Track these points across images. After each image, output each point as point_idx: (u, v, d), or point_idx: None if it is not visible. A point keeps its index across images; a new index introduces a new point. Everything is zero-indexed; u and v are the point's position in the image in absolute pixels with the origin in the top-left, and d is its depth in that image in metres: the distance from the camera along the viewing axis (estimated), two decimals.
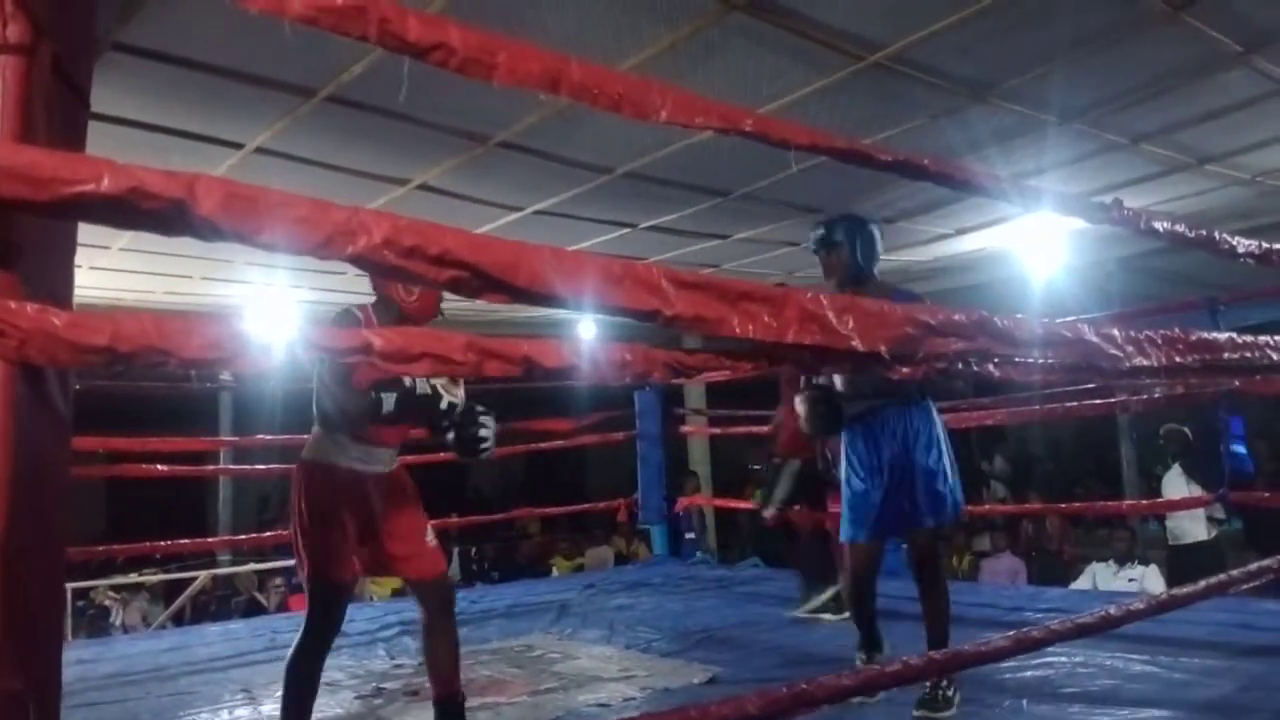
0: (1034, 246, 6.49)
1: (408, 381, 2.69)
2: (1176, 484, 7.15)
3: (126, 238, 5.33)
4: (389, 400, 2.65)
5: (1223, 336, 2.61)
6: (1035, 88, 4.12)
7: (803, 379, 3.54)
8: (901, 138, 4.66)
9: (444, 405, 2.73)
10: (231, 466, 7.80)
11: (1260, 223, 6.53)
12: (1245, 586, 2.88)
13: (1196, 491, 6.80)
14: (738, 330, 1.59)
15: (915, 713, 3.06)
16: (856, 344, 1.74)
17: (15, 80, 1.08)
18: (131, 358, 1.10)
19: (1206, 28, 3.66)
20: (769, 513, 5.17)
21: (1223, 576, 2.83)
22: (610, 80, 1.62)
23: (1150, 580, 6.79)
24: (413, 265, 1.23)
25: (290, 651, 2.81)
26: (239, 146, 4.39)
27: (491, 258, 1.29)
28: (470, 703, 3.14)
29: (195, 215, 1.08)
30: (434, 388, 2.75)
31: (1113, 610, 2.26)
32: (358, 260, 1.19)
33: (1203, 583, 2.68)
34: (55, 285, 1.16)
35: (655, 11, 3.32)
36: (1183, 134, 4.90)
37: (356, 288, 4.51)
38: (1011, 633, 2.05)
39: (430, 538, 2.97)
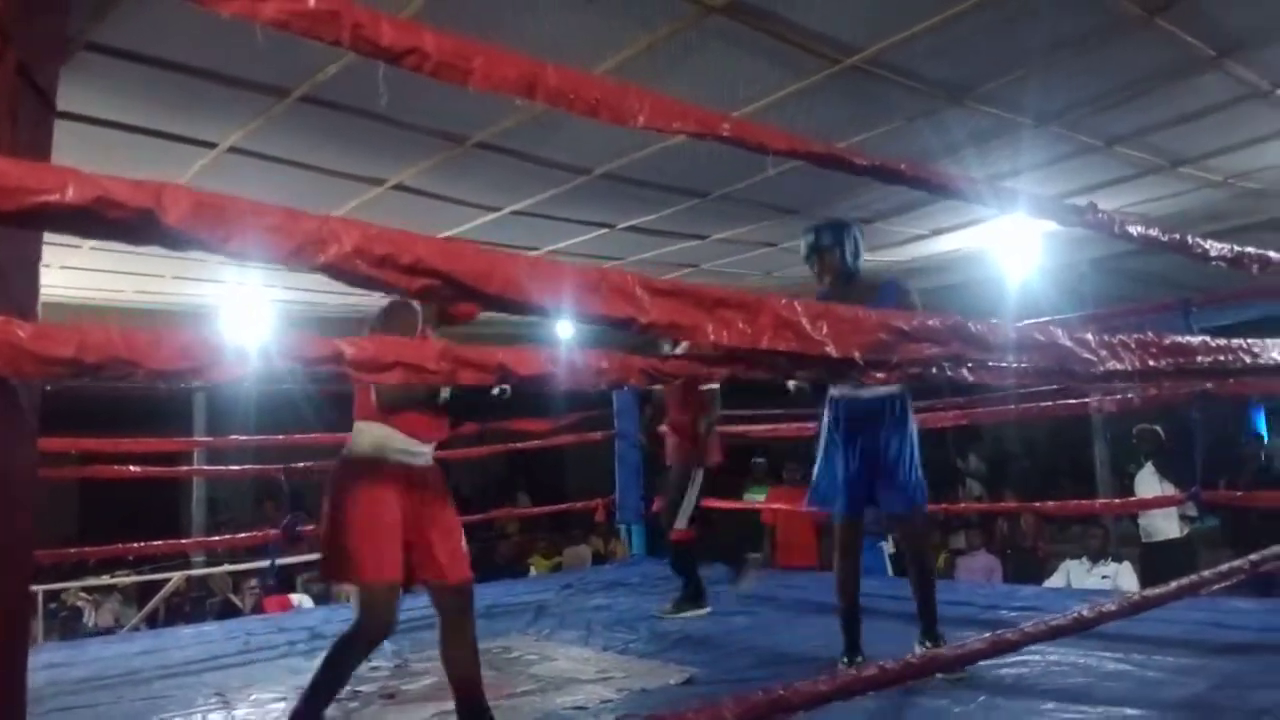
0: (1009, 248, 6.53)
1: None
2: (1149, 482, 7.22)
3: None
4: (446, 390, 2.65)
5: (1196, 340, 2.63)
6: (1011, 91, 4.14)
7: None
8: (878, 140, 4.68)
9: (496, 391, 2.67)
10: (205, 468, 7.72)
11: (1232, 224, 6.59)
12: (1217, 587, 2.91)
13: (1169, 490, 6.87)
14: (712, 337, 1.59)
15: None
16: (830, 350, 1.74)
17: None
18: (98, 369, 1.08)
19: (1181, 32, 3.69)
20: (681, 527, 5.41)
21: (1195, 577, 2.86)
22: (587, 85, 1.62)
23: (1123, 578, 6.85)
24: (384, 274, 1.21)
25: (334, 644, 2.77)
26: (212, 146, 4.35)
27: (465, 266, 1.28)
28: (444, 707, 3.13)
29: (163, 225, 1.06)
30: None
31: (1086, 612, 2.28)
32: (328, 269, 1.18)
33: (1174, 583, 2.71)
34: (20, 295, 1.14)
35: (632, 14, 3.31)
36: (1157, 136, 4.94)
37: (331, 287, 4.48)
38: (988, 635, 2.06)
39: (464, 539, 2.96)
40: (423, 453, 2.85)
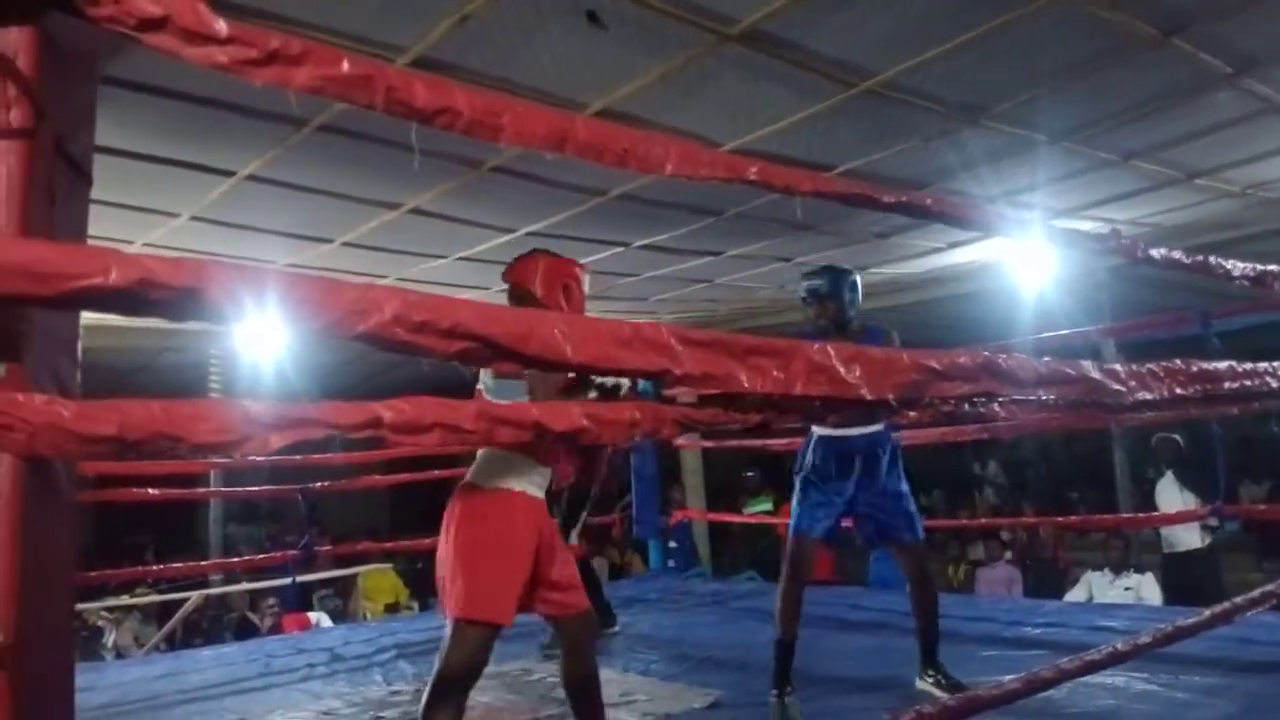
0: (1025, 258, 6.50)
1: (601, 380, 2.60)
2: (1169, 492, 7.16)
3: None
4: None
5: (1223, 365, 2.63)
6: (1026, 111, 4.13)
7: None
8: (895, 159, 4.67)
9: (623, 392, 2.65)
10: (222, 489, 7.75)
11: (1249, 232, 6.57)
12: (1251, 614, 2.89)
13: (1190, 500, 6.82)
14: (746, 385, 1.59)
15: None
16: (865, 393, 1.74)
17: (19, 166, 1.07)
18: (140, 445, 1.08)
19: (1196, 51, 3.68)
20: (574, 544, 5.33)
21: (1227, 605, 2.83)
22: (615, 136, 1.62)
23: (1146, 589, 6.80)
24: (424, 340, 1.22)
25: (427, 696, 2.66)
26: (230, 174, 4.36)
27: (503, 329, 1.28)
28: None
29: (205, 302, 1.06)
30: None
31: (1120, 645, 2.26)
32: (368, 338, 1.18)
33: (1207, 612, 2.69)
34: (61, 372, 1.14)
35: (648, 44, 3.31)
36: (1173, 151, 4.92)
37: None
38: (1024, 674, 2.05)
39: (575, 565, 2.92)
40: (546, 480, 2.79)
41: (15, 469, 1.03)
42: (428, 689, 2.67)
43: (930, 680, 3.74)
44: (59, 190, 1.14)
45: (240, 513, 12.51)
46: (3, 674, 0.99)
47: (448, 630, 2.67)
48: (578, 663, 2.89)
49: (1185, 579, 6.84)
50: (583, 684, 2.91)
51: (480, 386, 2.78)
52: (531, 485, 2.71)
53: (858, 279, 3.84)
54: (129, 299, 1.01)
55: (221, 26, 1.18)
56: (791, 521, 3.80)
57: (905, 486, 3.78)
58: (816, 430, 3.76)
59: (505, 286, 2.95)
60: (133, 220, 4.87)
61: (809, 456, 3.79)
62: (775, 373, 1.61)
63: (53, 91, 1.14)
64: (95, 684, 4.98)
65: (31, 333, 1.07)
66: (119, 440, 1.05)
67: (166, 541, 11.44)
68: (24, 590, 1.03)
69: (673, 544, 8.45)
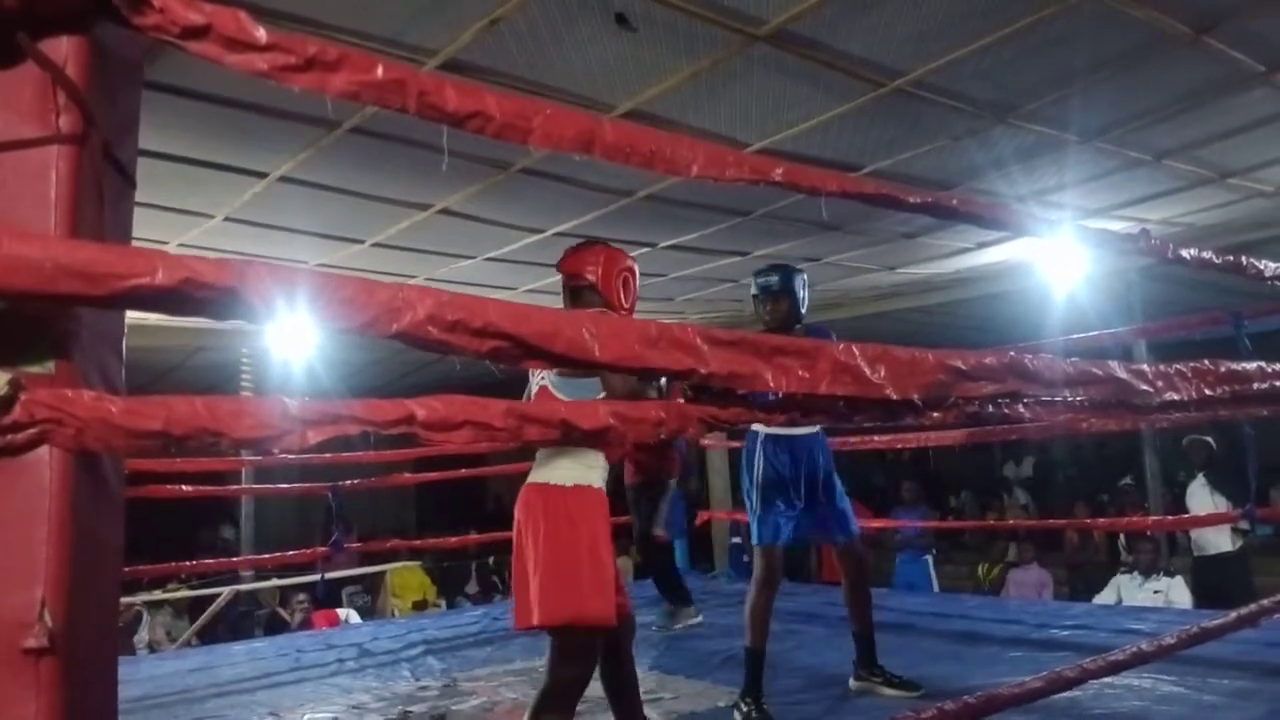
0: (1055, 259, 6.46)
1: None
2: (1201, 495, 7.10)
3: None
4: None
5: (1252, 366, 2.61)
6: (1056, 109, 4.11)
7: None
8: (924, 158, 4.67)
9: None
10: (254, 486, 7.85)
11: None
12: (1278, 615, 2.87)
13: (1221, 503, 6.76)
14: (772, 384, 1.61)
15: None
16: (890, 393, 1.74)
17: (68, 171, 1.11)
18: (185, 440, 1.12)
19: (1228, 49, 3.65)
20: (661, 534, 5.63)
21: (1254, 606, 2.82)
22: (642, 138, 1.64)
23: (1176, 592, 6.75)
24: (456, 339, 1.25)
25: (536, 712, 2.60)
26: (262, 175, 4.42)
27: (532, 328, 1.31)
28: None
29: (245, 301, 1.10)
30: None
31: (1145, 646, 2.26)
32: (402, 337, 1.21)
33: (1234, 614, 2.67)
34: (107, 370, 1.18)
35: (675, 45, 3.33)
36: (1205, 150, 4.88)
37: None
38: (1045, 673, 2.05)
39: None
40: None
41: (65, 463, 1.06)
42: (537, 705, 2.60)
43: (878, 680, 3.87)
44: (107, 194, 1.17)
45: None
46: (52, 661, 1.02)
47: (552, 642, 2.60)
48: (622, 663, 2.90)
49: (1216, 582, 6.79)
50: (627, 683, 2.92)
51: (542, 385, 2.81)
52: (602, 481, 2.72)
53: (805, 278, 3.94)
54: (174, 298, 1.05)
55: (261, 34, 1.22)
56: (754, 534, 3.87)
57: (840, 484, 3.92)
58: (763, 430, 3.80)
59: (554, 280, 2.97)
60: (168, 221, 4.95)
61: (759, 461, 3.84)
62: (801, 372, 1.63)
63: (101, 98, 1.18)
64: (131, 677, 5.07)
65: (80, 331, 1.11)
66: (164, 435, 1.09)
67: (198, 540, 11.58)
68: (73, 581, 1.07)
69: (735, 539, 8.47)
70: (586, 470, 2.68)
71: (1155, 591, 6.74)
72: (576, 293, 2.94)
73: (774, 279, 3.85)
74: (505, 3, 3.00)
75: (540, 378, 2.81)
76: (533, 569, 2.60)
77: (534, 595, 2.58)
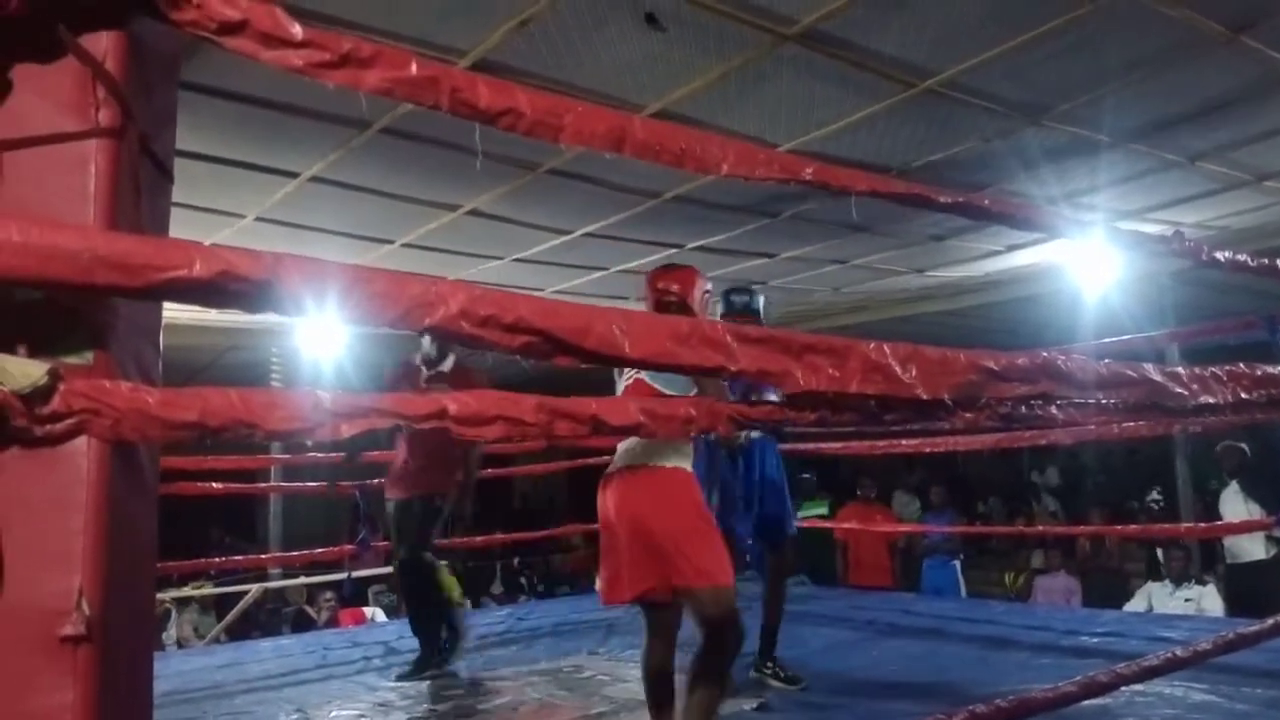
0: (1087, 261, 6.40)
1: None
2: (1234, 502, 6.99)
3: None
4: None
5: None
6: (1089, 110, 4.07)
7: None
8: (955, 160, 4.64)
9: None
10: (282, 484, 7.90)
11: None
12: None
13: (1255, 510, 6.65)
14: (802, 383, 1.60)
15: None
16: (920, 392, 1.73)
17: (107, 164, 1.12)
18: (219, 431, 1.13)
19: (1265, 49, 3.60)
20: None
21: None
22: (673, 136, 1.64)
23: (1208, 600, 6.66)
24: (487, 334, 1.25)
25: (707, 666, 2.80)
26: (294, 176, 4.46)
27: (563, 323, 1.31)
28: None
29: (280, 293, 1.10)
30: None
31: (1179, 652, 2.23)
32: (435, 331, 1.21)
33: (1270, 621, 2.63)
34: (144, 361, 1.19)
35: (706, 45, 3.33)
36: (1240, 152, 4.82)
37: None
38: (1079, 678, 2.03)
39: None
40: None
41: (102, 454, 1.07)
42: (701, 669, 2.78)
43: (768, 672, 4.02)
44: (144, 187, 1.19)
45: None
46: (89, 649, 1.03)
47: (704, 602, 2.74)
48: (669, 651, 3.00)
49: (1250, 590, 6.68)
50: (668, 672, 3.01)
51: (637, 377, 2.95)
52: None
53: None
54: (210, 291, 1.06)
55: (297, 30, 1.23)
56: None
57: (787, 487, 4.06)
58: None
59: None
60: (200, 221, 5.00)
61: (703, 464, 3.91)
62: (831, 370, 1.62)
63: (138, 93, 1.19)
64: (160, 672, 5.02)
65: (117, 323, 1.12)
66: (200, 426, 1.10)
67: (228, 535, 11.69)
68: (110, 570, 1.07)
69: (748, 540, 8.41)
70: (684, 458, 2.90)
71: (1187, 600, 6.66)
72: (664, 306, 3.08)
73: (745, 298, 3.96)
74: (535, 3, 3.01)
75: (634, 370, 2.91)
76: (662, 540, 2.77)
77: (676, 562, 2.74)
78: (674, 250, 6.01)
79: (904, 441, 5.77)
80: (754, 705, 3.87)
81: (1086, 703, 3.43)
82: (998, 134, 4.35)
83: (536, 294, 6.94)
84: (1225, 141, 4.64)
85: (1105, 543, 8.98)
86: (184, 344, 7.15)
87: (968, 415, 1.88)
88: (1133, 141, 4.52)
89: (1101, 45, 3.47)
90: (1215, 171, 5.08)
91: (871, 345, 1.69)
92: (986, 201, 2.17)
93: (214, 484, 5.75)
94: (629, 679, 4.47)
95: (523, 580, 10.87)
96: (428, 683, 4.71)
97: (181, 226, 4.85)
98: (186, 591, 8.35)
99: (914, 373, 1.72)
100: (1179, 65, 3.71)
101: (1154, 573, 8.23)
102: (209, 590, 8.44)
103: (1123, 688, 3.51)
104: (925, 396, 1.74)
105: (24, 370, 1.00)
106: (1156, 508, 9.24)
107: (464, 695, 4.41)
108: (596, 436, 1.50)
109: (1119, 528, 7.37)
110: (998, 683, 3.85)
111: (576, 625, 5.95)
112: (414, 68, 1.33)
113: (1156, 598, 6.81)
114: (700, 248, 6.11)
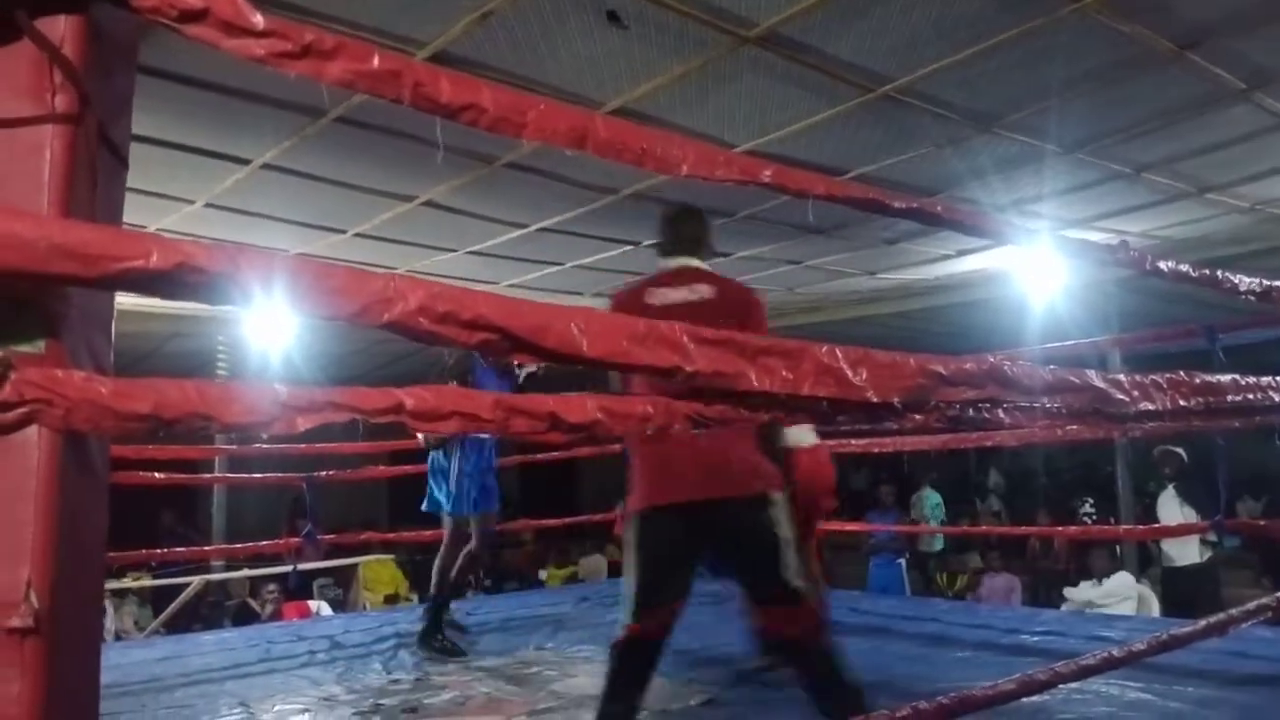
0: (1034, 268, 6.52)
1: None
2: (1170, 506, 7.15)
3: None
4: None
5: (1226, 379, 2.64)
6: (1039, 120, 4.16)
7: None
8: (908, 165, 4.70)
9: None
10: (228, 475, 7.78)
11: (1256, 248, 6.60)
12: (1245, 625, 2.91)
13: (1190, 514, 6.81)
14: (756, 384, 1.62)
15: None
16: (871, 395, 1.76)
17: (62, 151, 1.10)
18: (174, 424, 1.12)
19: (1211, 66, 3.70)
20: None
21: (1222, 616, 2.86)
22: (634, 135, 1.65)
23: (1139, 604, 6.82)
24: (446, 330, 1.25)
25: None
26: (246, 162, 4.40)
27: (522, 321, 1.31)
28: None
29: (239, 286, 1.10)
30: None
31: (1115, 652, 2.29)
32: (393, 327, 1.21)
33: (1203, 621, 2.71)
34: (96, 350, 1.17)
35: (667, 44, 3.35)
36: (1185, 164, 4.94)
37: None
38: (1018, 676, 2.08)
39: None
40: None
41: (53, 444, 1.06)
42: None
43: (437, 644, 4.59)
44: (100, 174, 1.17)
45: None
46: (37, 641, 1.02)
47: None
48: None
49: (1184, 594, 6.85)
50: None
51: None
52: None
53: None
54: (168, 282, 1.05)
55: (259, 20, 1.21)
56: None
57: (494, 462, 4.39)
58: None
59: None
60: (148, 205, 4.92)
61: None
62: (784, 373, 1.64)
63: (96, 78, 1.17)
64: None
65: (70, 312, 1.10)
66: (154, 418, 1.09)
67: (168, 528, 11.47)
68: (59, 562, 1.06)
69: None
70: None
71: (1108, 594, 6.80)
72: None
73: None
74: None
75: None
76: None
77: None
78: (630, 247, 6.02)
79: (853, 441, 5.84)
80: (701, 701, 3.90)
81: (1026, 700, 3.52)
82: (950, 141, 4.42)
83: (490, 288, 6.96)
84: (1170, 154, 4.76)
85: (1054, 544, 9.18)
86: (127, 330, 7.00)
87: (916, 418, 1.92)
88: (1080, 151, 4.61)
89: (1053, 58, 3.54)
90: (1160, 183, 5.21)
91: (824, 349, 1.71)
92: (939, 207, 2.20)
93: (156, 474, 5.64)
94: (576, 674, 4.48)
95: (469, 576, 10.80)
96: (373, 677, 4.68)
97: (128, 211, 4.75)
98: (126, 583, 8.19)
99: (865, 376, 1.75)
100: (1127, 79, 3.80)
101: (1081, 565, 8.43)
102: (148, 582, 8.28)
103: (1061, 686, 3.61)
104: (876, 399, 1.77)
105: None
106: (1090, 521, 9.41)
107: (410, 690, 4.39)
108: (553, 433, 1.50)
109: (1060, 529, 7.51)
110: (941, 679, 3.91)
111: (525, 620, 5.94)
112: (376, 60, 1.32)
113: (1082, 595, 6.95)
114: (656, 245, 6.12)
